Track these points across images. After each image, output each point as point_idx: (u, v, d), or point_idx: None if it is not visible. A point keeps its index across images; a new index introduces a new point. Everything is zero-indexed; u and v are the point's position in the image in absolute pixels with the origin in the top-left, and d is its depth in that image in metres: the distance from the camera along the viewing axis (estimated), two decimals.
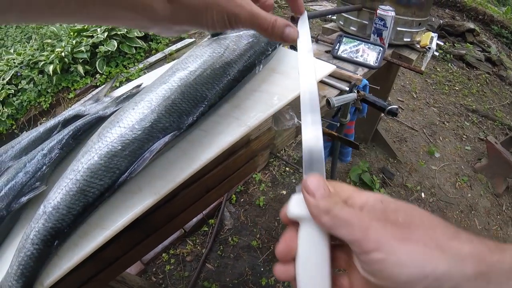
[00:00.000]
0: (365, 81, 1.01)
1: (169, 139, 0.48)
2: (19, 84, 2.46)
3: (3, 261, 0.45)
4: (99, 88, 2.40)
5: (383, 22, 1.14)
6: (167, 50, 2.68)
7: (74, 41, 2.50)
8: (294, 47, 0.99)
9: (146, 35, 2.76)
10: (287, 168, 2.02)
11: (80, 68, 2.46)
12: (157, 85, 0.53)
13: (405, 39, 1.31)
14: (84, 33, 2.58)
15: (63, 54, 2.42)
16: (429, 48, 1.31)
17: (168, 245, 1.59)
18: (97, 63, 2.50)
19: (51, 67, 2.40)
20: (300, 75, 0.36)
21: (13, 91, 2.44)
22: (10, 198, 0.47)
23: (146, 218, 0.54)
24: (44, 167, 0.51)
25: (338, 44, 1.16)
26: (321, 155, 0.30)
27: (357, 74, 1.02)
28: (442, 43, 3.20)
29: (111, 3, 0.27)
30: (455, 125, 2.59)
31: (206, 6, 0.31)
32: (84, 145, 0.50)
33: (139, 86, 0.68)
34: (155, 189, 0.49)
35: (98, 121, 0.58)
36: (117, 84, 2.33)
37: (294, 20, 0.41)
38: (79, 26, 2.57)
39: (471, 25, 3.68)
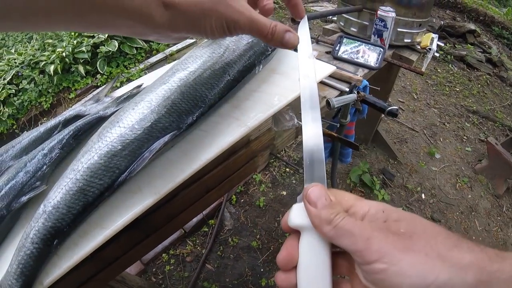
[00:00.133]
0: (365, 82, 1.01)
1: (168, 138, 0.48)
2: (20, 84, 2.47)
3: (3, 260, 0.45)
4: (100, 88, 2.41)
5: (383, 23, 1.14)
6: (168, 51, 2.68)
7: (75, 41, 2.51)
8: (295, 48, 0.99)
9: None
10: (287, 169, 2.02)
11: (81, 68, 2.47)
12: (157, 86, 0.53)
13: (405, 40, 1.31)
14: (85, 34, 2.59)
15: (64, 54, 2.42)
16: (430, 49, 1.31)
17: (168, 245, 1.59)
18: (98, 63, 2.51)
19: (52, 67, 2.40)
20: (301, 77, 0.36)
21: (14, 91, 2.44)
22: (10, 197, 0.47)
23: (146, 218, 0.55)
24: (45, 167, 0.51)
25: (338, 45, 1.16)
26: (322, 154, 0.31)
27: (357, 75, 1.02)
28: (442, 44, 3.20)
29: (109, 11, 0.27)
30: (455, 126, 2.59)
31: (204, 13, 0.31)
32: (84, 145, 0.50)
33: (139, 86, 0.68)
34: (155, 189, 0.49)
35: (99, 121, 0.59)
36: (118, 84, 2.33)
37: (295, 21, 0.41)
38: None
39: (472, 26, 3.68)
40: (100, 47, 2.50)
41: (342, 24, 1.38)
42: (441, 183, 2.08)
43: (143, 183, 0.50)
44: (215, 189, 0.66)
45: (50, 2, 0.24)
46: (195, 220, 1.66)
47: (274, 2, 0.38)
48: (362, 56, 1.14)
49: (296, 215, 0.28)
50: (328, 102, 0.83)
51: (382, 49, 1.13)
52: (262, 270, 1.54)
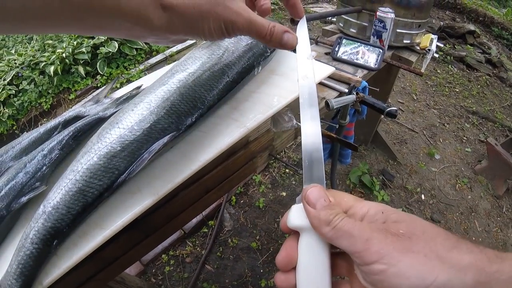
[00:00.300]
0: (365, 83, 1.01)
1: (167, 140, 0.48)
2: (20, 84, 2.47)
3: (3, 260, 0.46)
4: (100, 89, 2.41)
5: (382, 24, 1.15)
6: (168, 52, 2.68)
7: (75, 42, 2.51)
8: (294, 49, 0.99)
9: None
10: (286, 170, 2.02)
11: (81, 69, 2.47)
12: (156, 87, 0.54)
13: (405, 41, 1.31)
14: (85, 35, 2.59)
15: (64, 55, 2.42)
16: (429, 50, 1.31)
17: (168, 246, 1.59)
18: (98, 64, 2.51)
19: (52, 68, 2.41)
20: (299, 78, 0.36)
21: (14, 91, 2.44)
22: (10, 198, 0.48)
23: (145, 218, 0.55)
24: (44, 168, 0.52)
25: (337, 46, 1.16)
26: (320, 154, 0.31)
27: (357, 76, 1.02)
28: (442, 45, 3.20)
29: (106, 14, 0.27)
30: (455, 127, 2.59)
31: (202, 15, 0.31)
32: (84, 146, 0.50)
33: (139, 87, 0.68)
34: (154, 190, 0.49)
35: (98, 122, 0.59)
36: (118, 85, 2.33)
37: (294, 22, 0.41)
38: None
39: (472, 27, 3.68)
40: (100, 48, 2.50)
41: (342, 25, 1.39)
42: (441, 184, 2.08)
43: (142, 183, 0.50)
44: (215, 190, 0.67)
45: (47, 5, 0.24)
46: (194, 221, 1.66)
47: (272, 3, 0.38)
48: (361, 57, 1.14)
49: (295, 216, 0.28)
50: (327, 103, 0.83)
51: (381, 50, 1.13)
52: (261, 271, 1.54)
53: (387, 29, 1.15)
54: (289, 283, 0.27)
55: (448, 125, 2.58)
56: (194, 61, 0.57)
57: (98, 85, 2.51)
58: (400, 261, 0.22)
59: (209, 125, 0.57)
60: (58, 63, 2.42)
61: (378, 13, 1.14)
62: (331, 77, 0.96)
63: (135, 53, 2.62)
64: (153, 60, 2.63)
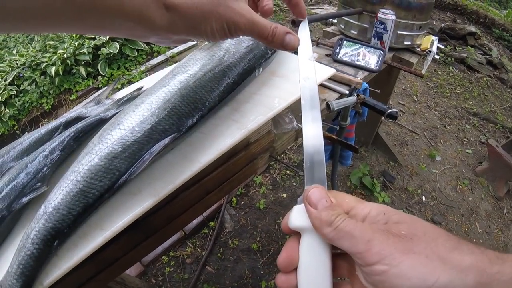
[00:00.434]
0: (365, 85, 1.01)
1: (168, 141, 0.49)
2: (21, 85, 2.47)
3: (4, 260, 0.46)
4: (101, 90, 2.40)
5: (383, 25, 1.15)
6: (169, 53, 2.68)
7: (76, 43, 2.52)
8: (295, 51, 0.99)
9: None
10: (287, 171, 2.02)
11: (82, 70, 2.47)
12: (157, 88, 0.54)
13: (405, 43, 1.31)
14: (87, 35, 2.60)
15: (65, 55, 2.43)
16: (430, 51, 1.31)
17: (168, 247, 1.59)
18: (99, 65, 2.51)
19: (53, 69, 2.41)
20: (301, 79, 0.36)
21: (15, 92, 2.45)
22: (11, 198, 0.48)
23: (146, 219, 0.55)
24: (45, 168, 0.52)
25: (338, 47, 1.17)
26: (322, 155, 0.31)
27: (357, 77, 1.02)
28: (443, 47, 3.20)
29: (108, 13, 0.27)
30: (456, 128, 2.58)
31: (205, 15, 0.30)
32: (85, 147, 0.50)
33: (140, 88, 0.68)
34: (154, 191, 0.49)
35: (99, 123, 0.59)
36: (119, 86, 2.34)
37: (295, 24, 0.41)
38: None
39: (472, 28, 3.68)
40: (101, 49, 2.50)
41: (342, 26, 1.39)
42: (442, 185, 2.07)
43: (143, 185, 0.50)
44: (215, 191, 0.67)
45: (48, 5, 0.24)
46: (195, 222, 1.66)
47: (274, 4, 0.38)
48: (362, 59, 1.14)
49: (297, 217, 0.28)
50: (328, 105, 0.83)
51: (382, 52, 1.13)
52: (262, 272, 1.54)
53: (388, 31, 1.15)
54: (290, 284, 0.27)
55: (449, 127, 2.58)
56: (195, 63, 0.57)
57: (99, 86, 2.52)
58: (402, 262, 0.22)
59: (209, 127, 0.58)
60: (59, 64, 2.43)
61: (379, 14, 1.14)
62: (332, 78, 0.96)
63: (136, 54, 2.63)
64: (154, 61, 2.64)
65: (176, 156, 0.54)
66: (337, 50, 1.16)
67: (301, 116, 0.33)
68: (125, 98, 0.64)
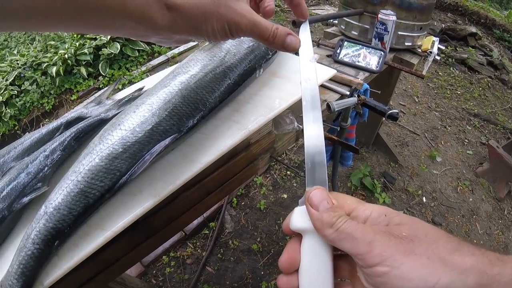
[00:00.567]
0: (366, 85, 1.01)
1: (169, 141, 0.49)
2: (22, 85, 2.48)
3: (4, 260, 0.46)
4: (102, 91, 2.41)
5: (384, 26, 1.15)
6: (170, 53, 2.69)
7: (77, 43, 2.52)
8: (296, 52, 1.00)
9: None
10: (288, 172, 2.02)
11: (83, 70, 2.48)
12: (158, 89, 0.54)
13: (406, 44, 1.31)
14: (88, 36, 2.60)
15: (66, 56, 2.43)
16: (431, 52, 1.31)
17: (169, 247, 1.59)
18: (100, 65, 2.52)
19: (54, 69, 2.41)
20: (302, 80, 0.36)
21: (16, 92, 2.45)
22: (12, 198, 0.48)
23: (146, 219, 0.55)
24: (46, 168, 0.52)
25: (339, 48, 1.17)
26: (323, 156, 0.31)
27: (358, 78, 1.02)
28: (443, 47, 3.20)
29: (109, 12, 0.26)
30: (457, 129, 2.58)
31: (206, 16, 0.30)
32: (85, 147, 0.50)
33: (141, 89, 0.68)
34: (155, 191, 0.49)
35: (100, 124, 0.59)
36: (120, 87, 2.34)
37: (296, 25, 0.41)
38: None
39: (473, 29, 3.68)
40: (102, 49, 2.51)
41: (343, 27, 1.39)
42: (442, 186, 2.07)
43: (143, 185, 0.50)
44: (216, 192, 0.67)
45: (49, 4, 0.24)
46: (195, 222, 1.66)
47: (275, 5, 0.38)
48: (363, 60, 1.14)
49: (298, 218, 0.28)
50: (328, 106, 0.83)
51: (383, 53, 1.13)
52: (262, 273, 1.54)
53: (388, 32, 1.15)
54: (291, 285, 0.27)
55: (449, 128, 2.58)
56: (196, 63, 0.57)
57: (100, 86, 2.52)
58: (403, 264, 0.22)
59: (210, 127, 0.58)
60: (60, 64, 2.43)
61: (379, 15, 1.14)
62: (332, 79, 0.96)
63: (137, 54, 2.63)
64: (155, 62, 2.64)
65: (176, 157, 0.54)
66: (338, 51, 1.16)
67: (301, 116, 0.34)
68: (126, 99, 0.64)
